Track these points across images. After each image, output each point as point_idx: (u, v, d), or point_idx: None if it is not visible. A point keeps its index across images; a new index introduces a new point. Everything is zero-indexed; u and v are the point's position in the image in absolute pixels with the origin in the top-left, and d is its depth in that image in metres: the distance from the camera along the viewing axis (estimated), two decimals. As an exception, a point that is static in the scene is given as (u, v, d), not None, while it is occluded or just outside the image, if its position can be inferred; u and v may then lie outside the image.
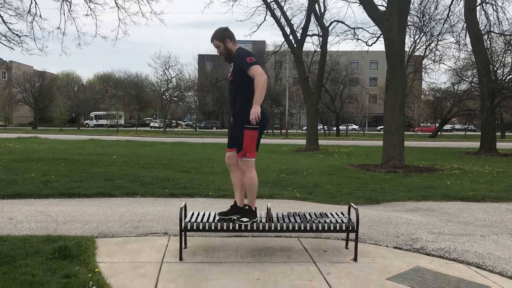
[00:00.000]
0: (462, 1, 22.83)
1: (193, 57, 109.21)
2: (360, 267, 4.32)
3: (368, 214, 6.72)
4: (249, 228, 4.42)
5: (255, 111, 4.19)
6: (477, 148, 23.14)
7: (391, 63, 13.80)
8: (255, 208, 4.54)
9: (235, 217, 4.47)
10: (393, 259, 4.62)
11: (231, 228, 4.45)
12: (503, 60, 23.10)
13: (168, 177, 10.18)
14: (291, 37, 22.59)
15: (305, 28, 22.75)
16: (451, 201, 8.35)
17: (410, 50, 40.36)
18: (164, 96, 58.66)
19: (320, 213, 4.84)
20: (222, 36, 4.46)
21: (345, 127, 59.37)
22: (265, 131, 4.89)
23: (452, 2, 23.45)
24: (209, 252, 4.68)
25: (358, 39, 25.63)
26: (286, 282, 3.91)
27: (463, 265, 4.51)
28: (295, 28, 23.01)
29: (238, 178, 4.66)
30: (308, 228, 4.46)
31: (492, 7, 22.29)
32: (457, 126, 73.76)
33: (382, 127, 15.93)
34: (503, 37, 22.93)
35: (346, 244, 4.98)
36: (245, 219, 4.41)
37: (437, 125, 53.65)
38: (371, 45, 25.34)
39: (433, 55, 33.06)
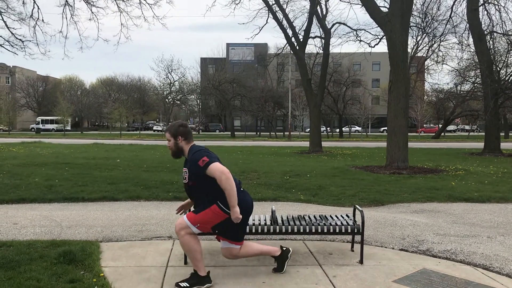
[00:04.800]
0: (464, 2, 22.78)
1: (196, 60, 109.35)
2: (366, 270, 4.29)
3: (373, 216, 6.69)
4: None
5: (235, 216, 3.73)
6: (481, 148, 23.04)
7: (394, 64, 13.77)
8: (208, 272, 3.89)
9: (178, 281, 3.88)
10: (400, 261, 4.59)
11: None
12: (506, 60, 23.04)
13: (172, 180, 10.16)
14: (293, 39, 22.58)
15: (307, 30, 22.73)
16: (456, 202, 8.30)
17: (413, 51, 40.26)
18: (167, 100, 58.78)
19: (325, 216, 4.82)
20: (175, 131, 3.98)
21: (348, 128, 59.23)
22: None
23: (454, 2, 23.44)
24: (214, 256, 4.66)
25: (360, 40, 25.42)
26: (292, 285, 3.88)
27: (470, 267, 4.48)
28: (297, 30, 22.99)
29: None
30: (313, 231, 4.44)
31: (495, 7, 22.26)
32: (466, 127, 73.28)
33: (386, 128, 15.90)
34: (506, 37, 22.86)
35: (352, 247, 4.96)
36: (183, 284, 3.81)
37: (440, 126, 53.52)
38: (373, 47, 25.25)
39: (436, 56, 33.09)
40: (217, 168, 3.71)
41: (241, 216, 3.78)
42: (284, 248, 4.29)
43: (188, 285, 3.80)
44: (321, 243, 5.22)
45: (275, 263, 4.27)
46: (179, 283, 3.83)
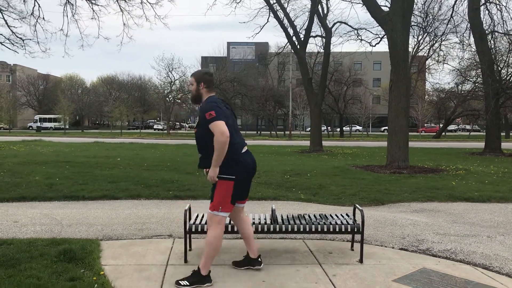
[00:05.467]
0: (465, 1, 22.75)
1: (196, 59, 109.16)
2: (366, 269, 4.29)
3: (373, 216, 6.69)
4: None
5: (212, 175, 3.81)
6: (481, 148, 23.03)
7: (395, 64, 13.76)
8: (208, 272, 3.88)
9: (178, 279, 3.88)
10: (399, 260, 4.59)
11: (235, 230, 4.43)
12: (507, 59, 23.00)
13: (172, 179, 10.17)
14: (294, 38, 22.58)
15: (308, 29, 22.72)
16: (456, 201, 8.30)
17: (414, 51, 40.24)
18: (167, 98, 58.76)
19: (325, 215, 4.82)
20: (199, 77, 4.04)
21: (348, 128, 59.23)
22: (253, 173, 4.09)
23: (455, 2, 23.40)
24: (214, 254, 4.66)
25: (361, 39, 25.44)
26: (292, 284, 3.89)
27: (470, 266, 4.48)
28: (298, 29, 23.00)
29: (245, 226, 4.21)
30: (313, 230, 4.44)
31: (496, 7, 22.31)
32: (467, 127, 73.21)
33: (386, 128, 15.90)
34: (507, 37, 22.83)
35: (352, 246, 4.96)
36: (183, 282, 3.81)
37: (441, 125, 53.48)
38: (374, 46, 25.28)
39: (437, 55, 33.05)
40: (219, 128, 3.72)
41: (216, 179, 3.81)
42: (259, 260, 4.24)
43: (188, 283, 3.80)
44: (321, 242, 5.22)
45: (245, 259, 4.28)
46: (180, 281, 3.83)
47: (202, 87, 4.01)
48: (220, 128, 3.72)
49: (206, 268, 3.86)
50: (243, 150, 3.95)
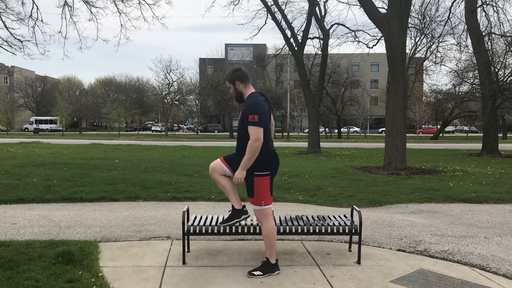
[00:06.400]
0: (462, 3, 22.83)
1: (194, 60, 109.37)
2: (363, 270, 4.31)
3: (371, 217, 6.71)
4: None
5: (239, 177, 4.02)
6: (479, 149, 23.08)
7: (392, 65, 13.80)
8: (276, 260, 4.20)
9: (250, 270, 4.14)
10: (397, 261, 4.61)
11: (233, 231, 4.44)
12: (504, 61, 23.06)
13: (170, 181, 10.18)
14: (292, 40, 22.61)
15: (305, 31, 22.75)
16: (453, 203, 8.33)
17: (411, 52, 40.38)
18: (165, 100, 58.76)
19: (323, 216, 4.84)
20: (231, 77, 4.20)
21: (346, 129, 59.30)
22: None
23: (452, 3, 23.44)
24: (212, 256, 4.67)
25: (359, 41, 25.44)
26: (290, 285, 3.90)
27: (467, 267, 4.50)
28: (296, 31, 23.02)
29: (224, 182, 4.27)
30: (311, 231, 4.46)
31: (493, 9, 22.34)
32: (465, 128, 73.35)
33: (384, 129, 15.91)
34: (504, 39, 22.90)
35: (350, 247, 4.98)
36: (256, 272, 4.09)
37: (438, 126, 53.59)
38: (372, 47, 25.29)
39: (434, 56, 33.06)
40: (256, 135, 3.95)
41: (242, 181, 4.05)
42: (245, 209, 4.33)
43: (261, 273, 4.08)
44: (319, 243, 5.24)
45: (232, 212, 4.32)
46: (253, 272, 4.09)
47: (238, 85, 4.20)
48: (257, 135, 3.95)
49: (273, 257, 4.16)
50: (273, 148, 4.25)
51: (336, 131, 55.99)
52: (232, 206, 4.29)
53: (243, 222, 4.45)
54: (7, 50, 17.97)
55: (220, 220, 4.56)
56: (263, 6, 22.08)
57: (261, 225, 4.18)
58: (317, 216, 4.82)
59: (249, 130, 3.98)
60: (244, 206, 4.30)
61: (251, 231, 4.43)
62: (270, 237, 4.13)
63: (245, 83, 4.20)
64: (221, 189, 4.37)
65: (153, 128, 77.22)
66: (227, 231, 4.44)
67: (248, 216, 4.32)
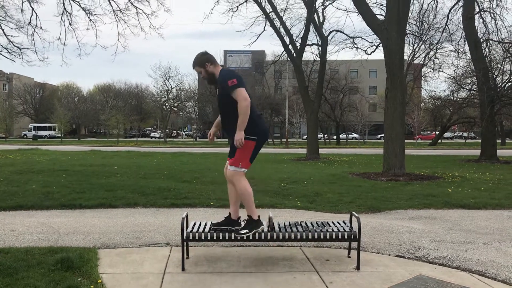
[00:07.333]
0: (460, 10, 22.97)
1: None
2: (362, 276, 4.31)
3: (370, 223, 6.72)
4: (250, 238, 4.38)
5: (239, 138, 4.22)
6: (477, 155, 23.12)
7: (390, 72, 13.85)
8: (258, 216, 4.43)
9: (233, 229, 4.41)
10: (396, 267, 4.61)
11: (233, 238, 4.44)
12: (502, 67, 23.19)
13: (169, 187, 10.17)
14: (290, 46, 22.70)
15: (304, 38, 22.85)
16: (452, 208, 8.34)
17: (409, 59, 40.50)
18: (164, 107, 58.83)
19: (322, 222, 4.84)
20: (201, 61, 4.49)
21: (345, 135, 59.38)
22: (268, 140, 4.80)
23: (450, 10, 23.60)
24: (211, 262, 4.67)
25: (357, 48, 25.54)
26: (289, 292, 3.90)
27: (466, 273, 4.50)
28: (294, 38, 23.12)
29: (234, 190, 4.56)
30: (310, 237, 4.46)
31: (490, 15, 22.42)
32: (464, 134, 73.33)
33: (383, 135, 15.96)
34: (501, 45, 23.02)
35: (349, 253, 4.98)
36: (243, 231, 4.33)
37: (437, 132, 53.68)
38: (370, 54, 25.40)
39: (432, 63, 33.27)
40: (242, 95, 4.17)
41: (243, 142, 4.20)
42: (239, 221, 4.55)
43: (247, 230, 4.29)
44: (318, 249, 5.24)
45: (225, 220, 4.61)
46: (240, 232, 4.28)
47: (208, 66, 4.45)
48: (243, 95, 4.17)
49: (254, 213, 4.36)
50: (259, 113, 4.47)
51: (334, 137, 56.06)
52: (229, 213, 4.56)
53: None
54: (6, 57, 18.04)
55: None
56: (262, 13, 22.20)
57: (235, 185, 4.37)
58: (316, 222, 4.83)
59: (233, 94, 4.19)
60: (239, 218, 4.53)
61: (250, 237, 4.43)
62: (246, 195, 4.34)
63: (214, 64, 4.46)
64: (229, 192, 4.67)
65: (152, 135, 77.17)
66: (226, 237, 4.44)
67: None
